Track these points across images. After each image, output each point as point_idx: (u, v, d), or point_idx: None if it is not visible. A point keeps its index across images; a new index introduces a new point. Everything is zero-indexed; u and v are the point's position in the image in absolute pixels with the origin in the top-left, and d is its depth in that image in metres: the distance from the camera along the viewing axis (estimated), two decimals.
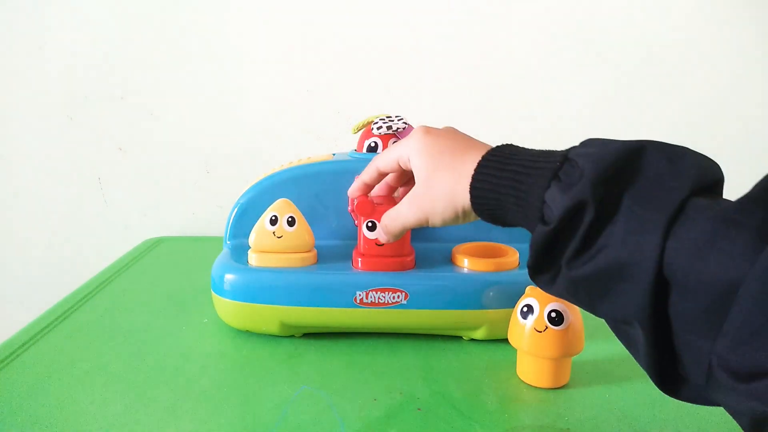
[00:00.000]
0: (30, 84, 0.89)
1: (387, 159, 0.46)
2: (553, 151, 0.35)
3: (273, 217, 0.53)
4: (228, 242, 0.59)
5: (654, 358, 0.30)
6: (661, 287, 0.28)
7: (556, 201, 0.32)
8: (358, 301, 0.51)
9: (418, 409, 0.43)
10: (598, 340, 0.55)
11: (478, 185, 0.37)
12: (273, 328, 0.53)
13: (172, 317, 0.59)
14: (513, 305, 0.47)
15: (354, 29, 0.88)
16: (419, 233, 0.58)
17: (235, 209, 0.59)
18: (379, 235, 0.49)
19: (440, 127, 0.44)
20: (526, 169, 0.35)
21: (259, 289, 0.52)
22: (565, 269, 0.32)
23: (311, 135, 0.91)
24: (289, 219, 0.53)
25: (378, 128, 0.58)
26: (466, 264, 0.53)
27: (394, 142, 0.59)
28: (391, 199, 0.50)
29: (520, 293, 0.47)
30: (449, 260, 0.55)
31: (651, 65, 0.90)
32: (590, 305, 0.33)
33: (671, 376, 0.31)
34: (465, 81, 0.90)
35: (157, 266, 0.77)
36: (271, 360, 0.50)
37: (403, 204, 0.43)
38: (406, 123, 0.59)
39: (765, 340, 0.24)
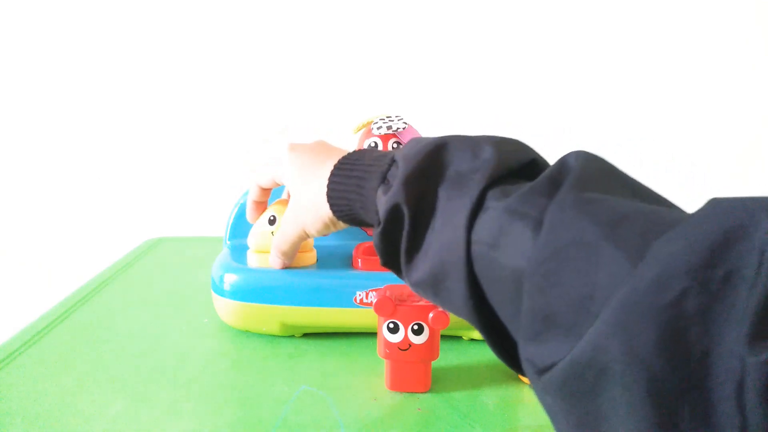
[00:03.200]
0: (29, 83, 0.89)
1: (264, 176, 0.49)
2: (388, 152, 0.38)
3: (272, 217, 0.53)
4: (228, 242, 0.59)
5: (496, 348, 0.31)
6: (476, 281, 0.29)
7: (381, 204, 0.34)
8: (358, 301, 0.51)
9: (418, 409, 0.43)
10: None
11: (332, 193, 0.40)
12: (273, 328, 0.53)
13: (172, 317, 0.59)
14: None
15: (354, 29, 0.88)
16: None
17: (235, 209, 0.59)
18: (273, 258, 0.50)
19: (309, 142, 0.47)
20: (365, 173, 0.37)
21: (259, 289, 0.52)
22: (405, 275, 0.33)
23: (311, 135, 0.91)
24: None
25: (378, 128, 0.58)
26: None
27: (395, 142, 0.59)
28: (413, 296, 0.44)
29: None
30: None
31: (652, 70, 0.90)
32: (437, 304, 0.34)
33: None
34: (466, 80, 0.90)
35: (157, 266, 0.77)
36: (271, 360, 0.50)
37: (284, 220, 0.46)
38: (406, 123, 0.59)
39: (546, 335, 0.24)
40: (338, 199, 0.39)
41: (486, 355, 0.52)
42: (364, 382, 0.47)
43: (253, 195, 0.53)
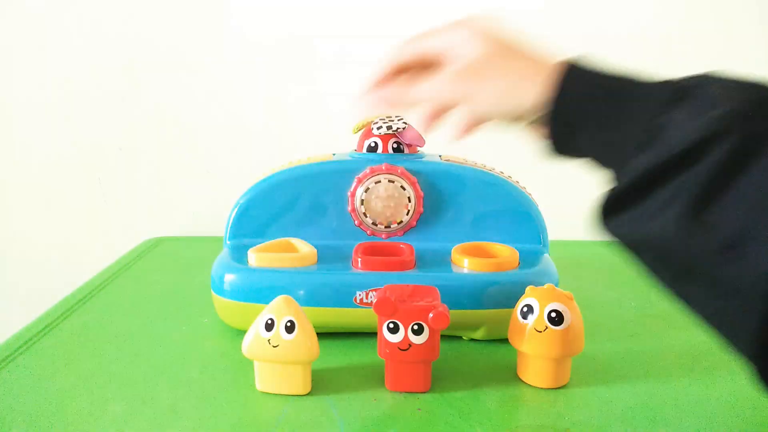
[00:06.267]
0: (30, 83, 0.89)
1: (433, 39, 0.37)
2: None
3: (269, 321, 0.44)
4: (228, 242, 0.59)
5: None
6: None
7: (685, 125, 0.27)
8: (358, 301, 0.51)
9: (418, 409, 0.43)
10: (598, 340, 0.55)
11: (572, 75, 0.31)
12: None
13: (172, 317, 0.59)
14: (513, 305, 0.47)
15: (354, 29, 0.88)
16: (419, 233, 0.58)
17: (235, 209, 0.59)
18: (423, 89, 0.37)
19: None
20: (637, 82, 0.30)
21: (259, 289, 0.52)
22: (688, 211, 0.26)
23: (311, 135, 0.91)
24: (288, 324, 0.44)
25: (378, 128, 0.58)
26: (466, 264, 0.53)
27: (395, 142, 0.59)
28: (413, 296, 0.44)
29: (520, 293, 0.47)
30: (449, 260, 0.55)
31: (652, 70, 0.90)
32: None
33: None
34: None
35: (157, 266, 0.77)
36: None
37: (450, 74, 0.34)
38: (406, 123, 0.59)
39: None
40: (579, 86, 0.30)
41: (486, 355, 0.52)
42: (364, 382, 0.47)
43: (402, 56, 0.38)
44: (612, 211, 0.29)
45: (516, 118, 0.34)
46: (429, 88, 0.36)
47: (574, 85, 0.31)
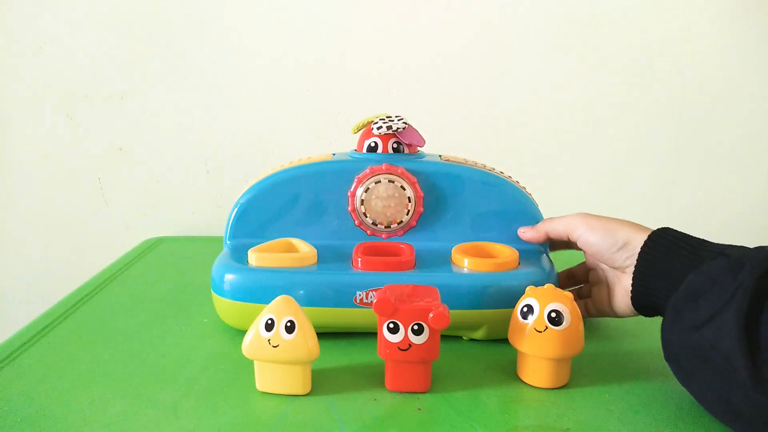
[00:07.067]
0: (30, 84, 0.89)
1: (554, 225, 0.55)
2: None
3: (269, 321, 0.44)
4: (228, 242, 0.59)
5: None
6: None
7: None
8: (358, 301, 0.51)
9: (418, 409, 0.43)
10: (598, 340, 0.55)
11: (661, 232, 0.47)
12: None
13: (172, 317, 0.59)
14: (513, 305, 0.47)
15: (354, 29, 0.88)
16: (419, 233, 0.58)
17: (235, 209, 0.59)
18: (525, 231, 0.57)
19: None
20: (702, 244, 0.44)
21: (259, 289, 0.52)
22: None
23: (311, 135, 0.91)
24: (288, 324, 0.44)
25: (378, 128, 0.58)
26: (466, 264, 0.53)
27: (395, 142, 0.59)
28: (413, 296, 0.45)
29: (520, 293, 0.47)
30: (449, 260, 0.55)
31: (652, 69, 0.90)
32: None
33: None
34: (465, 81, 0.90)
35: (157, 266, 0.77)
36: None
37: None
38: (406, 123, 0.59)
39: None
40: (664, 237, 0.46)
41: (486, 355, 0.52)
42: (364, 382, 0.47)
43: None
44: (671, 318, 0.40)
45: (616, 246, 0.49)
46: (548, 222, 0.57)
47: (666, 232, 0.47)
